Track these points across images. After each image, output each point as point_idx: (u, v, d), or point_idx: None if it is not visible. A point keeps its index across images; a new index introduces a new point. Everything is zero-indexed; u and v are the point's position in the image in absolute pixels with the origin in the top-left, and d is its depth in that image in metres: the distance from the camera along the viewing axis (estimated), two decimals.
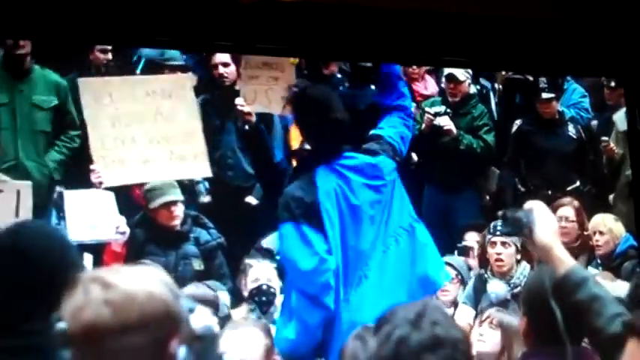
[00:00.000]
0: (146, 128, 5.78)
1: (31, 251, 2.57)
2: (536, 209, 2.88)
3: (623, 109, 6.47)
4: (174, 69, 6.36)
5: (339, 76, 6.49)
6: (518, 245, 5.63)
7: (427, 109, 6.82)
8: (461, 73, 6.79)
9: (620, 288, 5.46)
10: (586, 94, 7.63)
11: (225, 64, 6.29)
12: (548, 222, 2.85)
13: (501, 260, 5.63)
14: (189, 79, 6.07)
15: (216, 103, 6.12)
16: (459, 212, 6.55)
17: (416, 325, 2.12)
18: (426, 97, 7.06)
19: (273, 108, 6.00)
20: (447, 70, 6.86)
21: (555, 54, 5.87)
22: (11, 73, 5.92)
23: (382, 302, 3.98)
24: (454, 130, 6.71)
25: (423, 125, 6.74)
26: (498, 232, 5.64)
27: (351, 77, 6.37)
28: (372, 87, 5.82)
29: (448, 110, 6.76)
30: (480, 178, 6.88)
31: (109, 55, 6.23)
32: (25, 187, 4.98)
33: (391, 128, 4.49)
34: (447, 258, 5.98)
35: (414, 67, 7.05)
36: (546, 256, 2.83)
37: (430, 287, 4.38)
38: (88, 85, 5.82)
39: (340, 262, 4.16)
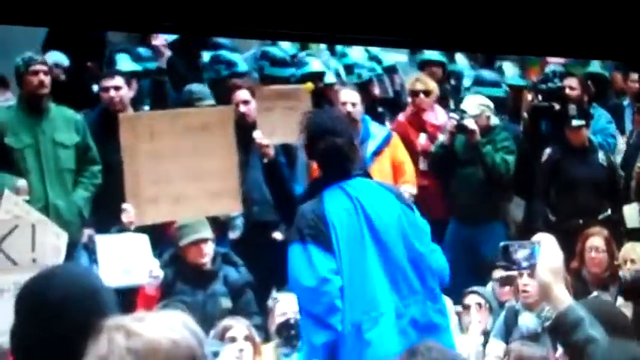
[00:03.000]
0: (182, 164, 5.76)
1: (63, 305, 2.48)
2: (542, 243, 2.82)
3: None
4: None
5: None
6: None
7: (452, 114, 6.86)
8: (474, 107, 6.77)
9: None
10: (612, 119, 7.60)
11: (246, 102, 6.30)
12: (550, 259, 2.79)
13: (526, 292, 5.56)
14: (231, 112, 6.05)
15: (240, 138, 6.10)
16: (485, 245, 6.49)
17: None
18: (437, 127, 7.04)
19: (291, 138, 5.99)
20: (462, 106, 6.88)
21: (566, 36, 5.80)
22: (30, 113, 5.93)
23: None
24: (478, 135, 6.69)
25: (445, 135, 6.75)
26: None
27: None
28: None
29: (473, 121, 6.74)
30: (504, 207, 6.85)
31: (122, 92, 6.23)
32: (41, 222, 4.94)
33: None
34: (474, 288, 5.95)
35: (422, 95, 7.03)
36: (545, 294, 2.79)
37: None
38: (128, 121, 5.79)
39: (346, 283, 4.11)
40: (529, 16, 5.48)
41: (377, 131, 6.64)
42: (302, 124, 4.32)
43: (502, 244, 2.85)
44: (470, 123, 6.70)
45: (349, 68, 7.67)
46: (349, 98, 6.59)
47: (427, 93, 7.03)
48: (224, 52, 7.61)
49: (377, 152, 6.47)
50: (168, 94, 6.71)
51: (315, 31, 5.47)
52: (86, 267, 4.78)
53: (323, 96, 7.01)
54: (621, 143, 7.51)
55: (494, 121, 6.94)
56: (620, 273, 5.73)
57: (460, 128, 6.71)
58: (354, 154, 4.29)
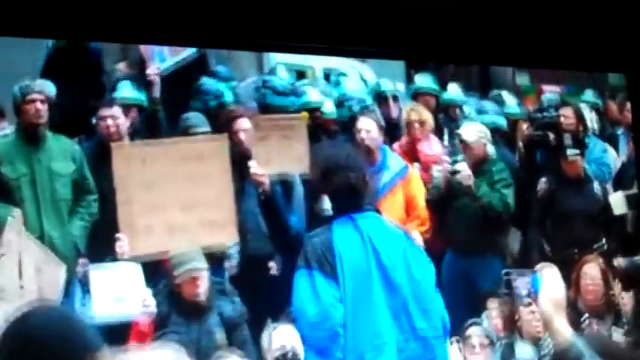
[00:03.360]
0: (176, 193, 5.75)
1: (47, 344, 2.48)
2: (544, 274, 2.82)
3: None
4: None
5: None
6: None
7: (446, 165, 6.81)
8: (472, 135, 6.76)
9: None
10: (606, 148, 7.61)
11: (246, 131, 6.29)
12: (552, 290, 2.79)
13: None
14: (225, 140, 6.03)
15: (235, 167, 6.09)
16: (482, 277, 6.48)
17: None
18: (431, 158, 7.02)
19: (287, 168, 5.98)
20: (459, 131, 6.86)
21: (558, 47, 5.83)
22: (27, 143, 5.91)
23: None
24: (471, 178, 6.68)
25: (442, 182, 6.73)
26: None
27: None
28: None
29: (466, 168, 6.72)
30: (501, 240, 6.83)
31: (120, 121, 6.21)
32: (27, 249, 4.94)
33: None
34: (475, 320, 5.94)
35: (417, 125, 7.02)
36: (547, 326, 2.79)
37: None
38: (121, 150, 5.78)
39: (350, 312, 4.11)
40: (522, 27, 5.51)
41: (393, 163, 6.64)
42: (314, 156, 4.34)
43: (504, 271, 2.86)
44: (462, 168, 6.67)
45: (340, 102, 7.70)
46: (365, 126, 6.59)
47: (422, 123, 7.01)
48: (209, 82, 7.65)
49: (391, 184, 6.44)
50: (161, 124, 6.69)
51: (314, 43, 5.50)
52: (69, 307, 4.76)
53: (320, 127, 6.99)
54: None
55: (491, 150, 6.94)
56: (615, 262, 5.74)
57: (454, 184, 6.68)
58: (367, 189, 4.32)
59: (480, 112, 7.43)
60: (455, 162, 6.71)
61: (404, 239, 4.28)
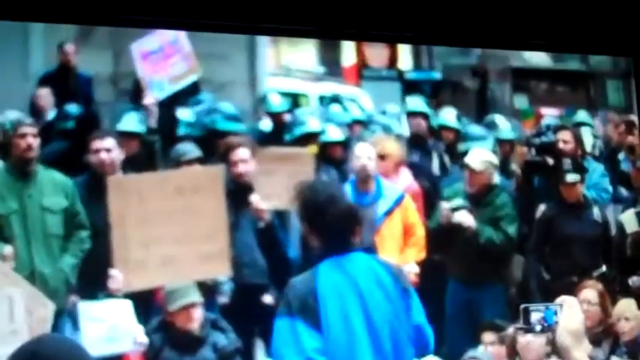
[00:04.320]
0: (172, 227, 5.69)
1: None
2: (563, 305, 2.80)
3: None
4: (190, 163, 6.34)
5: None
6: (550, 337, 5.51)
7: (444, 204, 6.71)
8: (478, 163, 6.68)
9: None
10: (606, 173, 7.56)
11: (244, 161, 6.24)
12: (571, 321, 2.77)
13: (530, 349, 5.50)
14: (220, 171, 5.97)
15: (231, 199, 6.03)
16: (485, 308, 6.43)
17: None
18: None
19: (290, 205, 5.91)
20: (465, 159, 6.76)
21: (563, 30, 5.75)
22: (18, 178, 5.86)
23: None
24: (473, 226, 6.58)
25: (443, 219, 6.63)
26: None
27: None
28: None
29: (467, 205, 6.63)
30: (504, 270, 6.77)
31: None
32: (18, 294, 4.88)
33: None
34: (474, 352, 5.89)
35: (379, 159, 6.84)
36: (566, 357, 2.76)
37: None
38: (117, 185, 5.72)
39: None
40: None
41: (389, 191, 6.52)
42: (299, 193, 4.23)
43: (523, 306, 2.86)
44: (463, 217, 6.60)
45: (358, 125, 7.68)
46: (364, 153, 6.50)
47: (383, 157, 6.77)
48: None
49: (388, 213, 6.33)
50: (157, 155, 6.65)
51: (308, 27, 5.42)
52: (72, 338, 4.70)
53: (323, 155, 6.95)
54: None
55: (496, 179, 6.85)
56: (630, 281, 5.70)
57: (453, 226, 6.60)
58: (358, 227, 4.19)
59: (466, 138, 7.36)
60: (455, 210, 6.59)
61: (391, 282, 4.16)
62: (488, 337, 6.04)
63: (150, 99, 6.83)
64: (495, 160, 6.90)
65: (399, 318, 4.12)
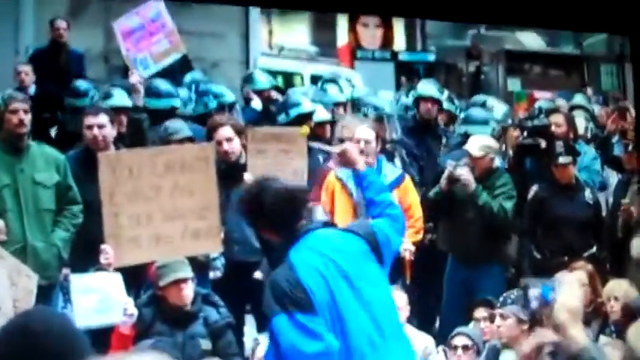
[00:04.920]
0: (163, 203, 5.67)
1: (43, 335, 2.49)
2: (561, 283, 2.80)
3: None
4: (181, 142, 6.33)
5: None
6: (521, 315, 5.50)
7: (449, 161, 6.75)
8: (478, 148, 6.69)
9: None
10: (597, 155, 7.57)
11: (229, 139, 6.24)
12: (569, 298, 2.78)
13: (500, 332, 5.51)
14: (211, 149, 5.96)
15: (221, 177, 6.03)
16: (482, 287, 6.43)
17: None
18: None
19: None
20: (465, 146, 6.78)
21: (558, 8, 5.72)
22: (10, 153, 5.82)
23: None
24: (472, 184, 6.61)
25: (443, 182, 6.66)
26: (499, 304, 5.53)
27: None
28: None
29: (469, 163, 6.65)
30: (503, 249, 6.78)
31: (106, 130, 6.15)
32: (14, 265, 4.88)
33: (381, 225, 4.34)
34: (462, 328, 5.91)
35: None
36: (562, 333, 2.77)
37: None
38: (107, 160, 5.68)
39: (341, 338, 4.05)
40: None
41: (389, 172, 6.50)
42: (241, 199, 4.22)
43: (524, 282, 2.86)
44: (462, 173, 6.62)
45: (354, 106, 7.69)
46: (363, 135, 6.44)
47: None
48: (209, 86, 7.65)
49: None
50: (146, 132, 6.64)
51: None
52: (61, 311, 4.72)
53: (316, 135, 6.96)
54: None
55: (497, 163, 6.85)
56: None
57: (452, 178, 6.62)
58: (303, 206, 4.14)
59: (467, 121, 7.39)
60: (456, 167, 6.62)
61: (361, 241, 4.20)
62: (479, 312, 6.05)
63: (135, 77, 6.79)
64: (495, 144, 6.90)
65: (377, 274, 4.14)
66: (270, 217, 4.07)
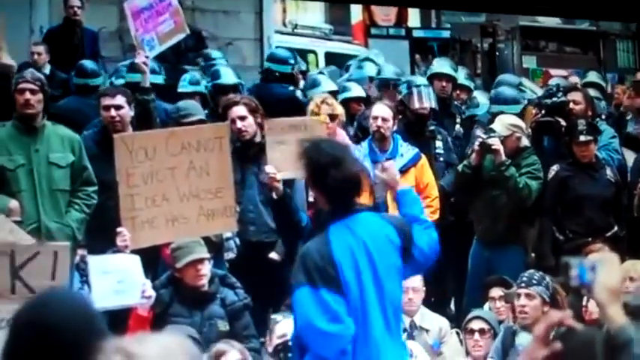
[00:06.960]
0: (178, 184, 5.62)
1: (56, 328, 2.47)
2: (603, 262, 2.78)
3: None
4: (193, 124, 6.28)
5: None
6: (545, 297, 5.47)
7: (479, 132, 6.73)
8: (503, 127, 6.64)
9: None
10: (615, 134, 7.49)
11: (243, 117, 6.18)
12: (608, 278, 2.75)
13: (525, 312, 5.46)
14: (226, 128, 5.91)
15: (236, 156, 5.98)
16: (504, 268, 6.38)
17: None
18: None
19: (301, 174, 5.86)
20: (492, 125, 6.74)
21: None
22: (25, 133, 5.79)
23: None
24: (502, 155, 6.56)
25: (473, 156, 6.63)
26: (523, 284, 5.50)
27: None
28: None
29: (500, 135, 6.61)
30: (526, 231, 6.75)
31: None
32: (63, 248, 4.83)
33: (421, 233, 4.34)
34: (479, 312, 5.89)
35: (328, 120, 6.68)
36: (601, 313, 2.77)
37: None
38: (122, 142, 5.61)
39: (360, 323, 4.04)
40: None
41: (405, 150, 6.55)
42: (305, 153, 4.19)
43: (564, 260, 2.83)
44: (494, 142, 6.55)
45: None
46: (380, 113, 6.50)
47: (333, 117, 6.68)
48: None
49: (403, 171, 6.23)
50: (153, 112, 6.60)
51: None
52: (80, 292, 4.68)
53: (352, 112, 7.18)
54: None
55: (525, 142, 6.79)
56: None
57: (484, 147, 6.56)
58: (361, 190, 4.20)
59: (497, 101, 7.36)
60: (489, 137, 6.57)
61: (396, 236, 4.17)
62: (495, 291, 6.01)
63: (141, 57, 6.74)
64: (522, 123, 6.83)
65: (397, 268, 4.16)
66: (333, 186, 4.09)
